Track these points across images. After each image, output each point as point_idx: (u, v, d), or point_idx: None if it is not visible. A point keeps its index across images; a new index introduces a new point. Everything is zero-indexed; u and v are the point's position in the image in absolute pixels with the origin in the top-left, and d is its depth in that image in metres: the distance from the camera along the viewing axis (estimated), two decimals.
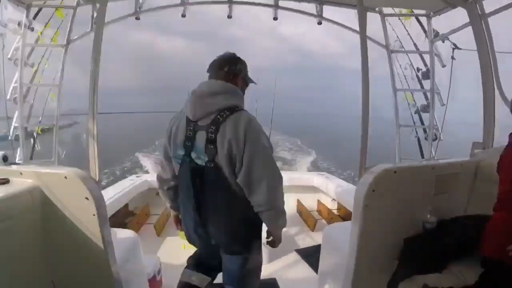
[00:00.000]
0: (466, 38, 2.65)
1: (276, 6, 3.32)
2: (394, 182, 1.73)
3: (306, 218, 4.69)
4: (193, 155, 1.54)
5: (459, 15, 2.69)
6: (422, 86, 3.41)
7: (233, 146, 1.47)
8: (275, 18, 3.41)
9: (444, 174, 1.95)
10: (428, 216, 1.82)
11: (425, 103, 3.40)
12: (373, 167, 1.70)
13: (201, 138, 1.52)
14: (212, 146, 1.48)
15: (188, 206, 1.65)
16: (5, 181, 1.58)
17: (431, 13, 3.26)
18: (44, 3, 3.13)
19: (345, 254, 1.83)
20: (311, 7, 3.36)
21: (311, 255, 3.46)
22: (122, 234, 2.16)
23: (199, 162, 1.54)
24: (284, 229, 3.93)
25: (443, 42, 3.20)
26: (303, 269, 3.29)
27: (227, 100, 1.53)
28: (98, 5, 3.02)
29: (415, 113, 3.48)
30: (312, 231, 4.35)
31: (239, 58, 1.68)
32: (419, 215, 1.83)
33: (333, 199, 4.86)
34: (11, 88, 3.06)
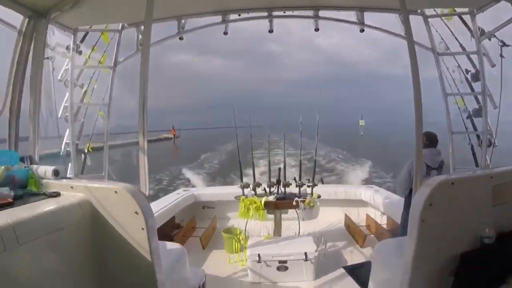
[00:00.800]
0: None
1: (316, 17, 3.28)
2: (451, 194, 1.62)
3: (354, 233, 4.53)
4: None
5: (505, 9, 2.56)
6: (472, 89, 3.18)
7: None
8: (317, 29, 3.36)
9: (503, 183, 1.79)
10: (487, 230, 1.66)
11: (477, 106, 3.16)
12: (429, 179, 1.59)
13: None
14: None
15: None
16: (56, 194, 1.67)
17: (475, 10, 3.05)
18: (90, 27, 3.36)
19: (397, 271, 1.73)
20: (351, 15, 3.29)
21: (359, 272, 3.31)
22: (169, 247, 2.20)
23: None
24: (330, 244, 3.83)
25: (490, 40, 2.99)
26: (351, 287, 3.15)
27: None
28: (142, 27, 3.22)
29: (467, 118, 3.24)
30: (361, 246, 4.18)
31: None
32: (477, 229, 1.68)
33: (383, 213, 4.67)
34: (62, 107, 3.29)
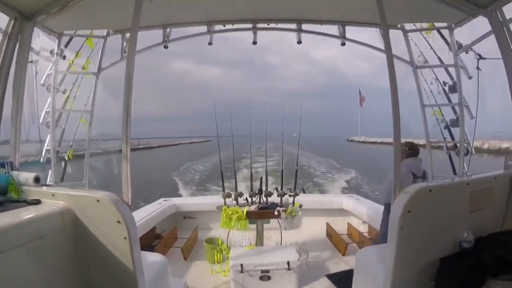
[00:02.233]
0: (492, 47, 2.58)
1: (299, 30, 3.35)
2: (430, 201, 1.68)
3: (336, 242, 4.56)
4: None
5: (481, 24, 2.61)
6: (450, 100, 3.31)
7: None
8: (299, 42, 3.43)
9: (479, 190, 1.87)
10: (465, 234, 1.73)
11: (454, 117, 3.28)
12: (407, 187, 1.64)
13: None
14: None
15: None
16: (37, 202, 1.62)
17: (453, 25, 3.19)
18: (75, 32, 3.32)
19: (379, 278, 1.76)
20: (334, 29, 3.38)
21: (342, 280, 3.34)
22: (150, 257, 2.17)
23: None
24: (313, 253, 3.84)
25: (467, 53, 3.12)
26: None
27: None
28: (127, 34, 3.20)
29: (444, 128, 3.36)
30: (343, 255, 4.21)
31: None
32: (456, 234, 1.75)
33: (364, 221, 4.72)
34: (43, 112, 3.21)
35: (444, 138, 3.38)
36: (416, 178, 3.33)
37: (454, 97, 3.30)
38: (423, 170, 3.42)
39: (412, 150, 3.48)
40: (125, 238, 1.51)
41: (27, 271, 1.35)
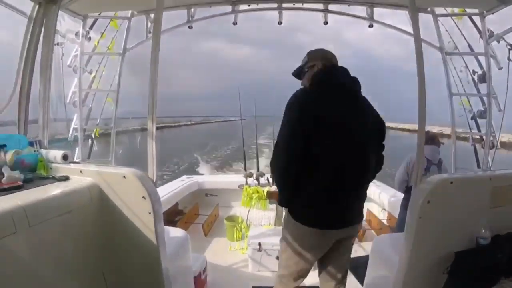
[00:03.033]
0: None
1: (326, 10, 3.26)
2: (450, 193, 1.65)
3: None
4: None
5: None
6: (478, 90, 3.18)
7: None
8: (325, 23, 3.36)
9: (502, 186, 1.82)
10: (483, 231, 1.70)
11: (482, 108, 3.16)
12: (429, 177, 1.62)
13: None
14: None
15: None
16: (65, 178, 1.71)
17: (484, 11, 3.03)
18: (99, 14, 3.37)
19: (393, 266, 1.77)
20: (362, 10, 3.26)
21: (358, 266, 3.36)
22: (172, 232, 2.25)
23: None
24: None
25: (499, 42, 2.97)
26: (349, 280, 3.20)
27: None
28: (152, 15, 3.22)
29: (471, 119, 3.24)
30: (360, 241, 4.23)
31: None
32: (473, 229, 1.72)
33: (383, 208, 4.68)
34: (70, 93, 3.32)
35: (470, 129, 3.27)
36: (431, 164, 3.29)
37: (483, 88, 3.17)
38: (439, 158, 3.36)
39: (430, 139, 3.42)
40: (149, 213, 1.58)
41: (57, 244, 1.43)
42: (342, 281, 1.94)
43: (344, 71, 1.66)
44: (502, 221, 1.78)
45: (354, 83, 1.65)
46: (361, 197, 1.71)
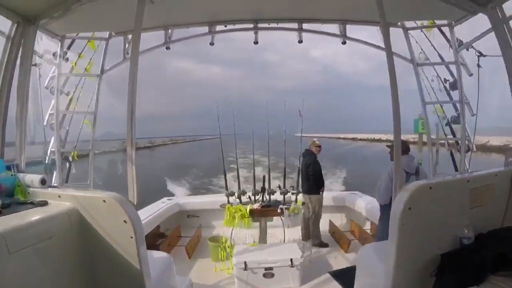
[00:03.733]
0: (492, 44, 2.58)
1: (300, 29, 3.37)
2: (430, 198, 1.69)
3: (339, 238, 4.59)
4: None
5: (482, 21, 2.62)
6: (451, 98, 3.32)
7: None
8: (300, 41, 3.46)
9: (480, 186, 1.88)
10: (466, 231, 1.74)
11: (455, 114, 3.29)
12: (408, 185, 1.66)
13: None
14: None
15: None
16: (44, 203, 1.65)
17: (453, 22, 3.20)
18: (77, 35, 3.35)
19: (381, 274, 1.78)
20: (335, 28, 3.40)
21: (345, 277, 3.37)
22: (156, 256, 2.20)
23: None
24: (316, 250, 3.99)
25: (468, 50, 3.13)
26: None
27: None
28: (130, 36, 3.22)
29: (445, 125, 3.37)
30: (346, 252, 4.24)
31: None
32: (456, 230, 1.76)
33: (366, 218, 4.74)
34: (47, 115, 3.24)
35: (445, 135, 3.39)
36: (409, 175, 3.33)
37: (455, 95, 3.31)
38: (416, 166, 3.42)
39: (403, 148, 3.34)
40: (131, 237, 1.53)
41: (38, 271, 1.38)
42: None
43: None
44: (483, 220, 1.83)
45: None
46: None
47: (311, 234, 4.61)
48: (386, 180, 3.49)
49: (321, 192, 4.68)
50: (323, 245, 4.51)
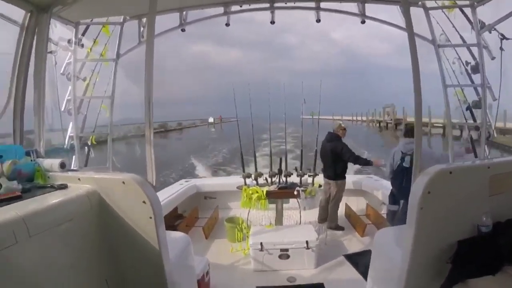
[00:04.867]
0: None
1: (317, 8, 3.27)
2: (450, 183, 1.66)
3: (355, 222, 4.60)
4: None
5: (505, 3, 2.56)
6: (472, 81, 3.20)
7: None
8: (318, 20, 3.36)
9: (500, 174, 1.83)
10: (484, 218, 1.71)
11: (477, 98, 3.18)
12: (428, 168, 1.63)
13: None
14: None
15: None
16: (64, 187, 1.70)
17: (475, 2, 3.05)
18: (91, 21, 3.36)
19: (396, 259, 1.78)
20: (353, 7, 3.27)
21: (360, 261, 3.39)
22: (174, 236, 2.25)
23: None
24: (332, 233, 4.05)
25: (490, 32, 2.99)
26: (352, 275, 3.23)
27: None
28: (144, 20, 3.21)
29: (466, 109, 3.26)
30: (361, 236, 4.25)
31: None
32: (474, 218, 1.73)
33: (383, 202, 4.71)
34: (65, 101, 3.30)
35: (465, 119, 3.29)
36: (405, 155, 3.64)
37: (477, 78, 3.19)
38: (412, 148, 3.55)
39: (407, 132, 3.80)
40: (150, 217, 1.57)
41: (58, 253, 1.42)
42: None
43: None
44: (502, 208, 1.79)
45: None
46: None
47: (328, 217, 4.64)
48: (388, 158, 3.83)
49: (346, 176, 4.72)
50: (339, 228, 4.54)
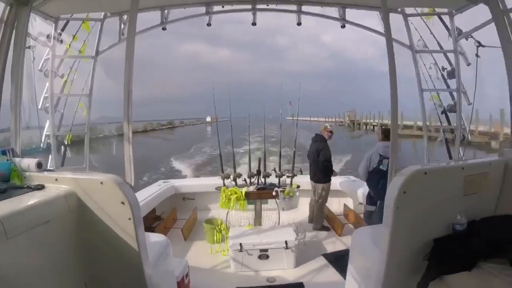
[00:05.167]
0: (491, 35, 2.58)
1: (299, 11, 3.31)
2: (425, 183, 1.72)
3: (333, 222, 4.67)
4: None
5: (482, 12, 2.59)
6: (448, 86, 3.32)
7: None
8: (299, 24, 3.40)
9: (473, 174, 1.91)
10: (458, 217, 1.78)
11: (452, 103, 3.31)
12: (403, 169, 1.68)
13: None
14: None
15: None
16: (41, 187, 1.65)
17: (453, 11, 3.18)
18: (71, 16, 3.26)
19: (374, 257, 1.82)
20: (335, 11, 3.34)
21: (338, 260, 3.44)
22: (153, 238, 2.22)
23: None
24: (310, 234, 4.10)
25: (467, 40, 3.12)
26: (331, 274, 3.28)
27: None
28: (125, 17, 3.15)
29: (442, 113, 3.39)
30: (339, 235, 4.33)
31: None
32: (449, 216, 1.80)
33: (360, 203, 4.80)
34: (42, 98, 3.18)
35: (441, 123, 3.42)
36: (383, 158, 3.72)
37: (453, 84, 3.32)
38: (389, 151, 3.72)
39: (383, 134, 3.91)
40: (129, 219, 1.55)
41: (36, 255, 1.38)
42: None
43: None
44: (476, 207, 1.88)
45: None
46: None
47: (314, 218, 4.72)
48: (364, 160, 3.88)
49: (332, 178, 4.77)
50: (325, 229, 4.64)
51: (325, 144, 4.69)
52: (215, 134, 4.94)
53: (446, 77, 3.32)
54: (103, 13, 3.26)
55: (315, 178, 4.70)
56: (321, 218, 4.68)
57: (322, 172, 4.64)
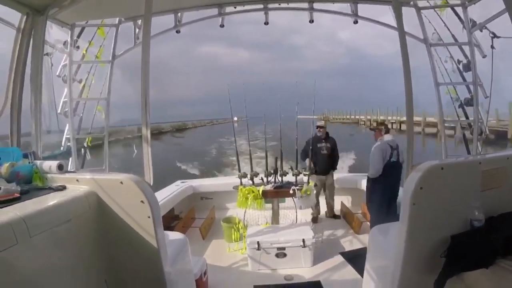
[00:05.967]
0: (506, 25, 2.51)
1: (311, 9, 3.31)
2: (441, 178, 1.68)
3: (351, 220, 4.64)
4: None
5: (495, 1, 2.53)
6: (464, 79, 3.25)
7: None
8: (311, 21, 3.41)
9: (491, 169, 1.86)
10: (476, 213, 1.74)
11: (469, 96, 3.23)
12: (420, 165, 1.66)
13: None
14: None
15: None
16: (62, 188, 1.71)
17: (466, 1, 3.10)
18: (86, 23, 3.36)
19: (391, 255, 1.80)
20: (346, 7, 3.34)
21: (356, 258, 3.42)
22: (171, 236, 2.25)
23: None
24: (328, 232, 4.07)
25: (481, 31, 3.04)
26: (348, 272, 3.26)
27: None
28: (139, 21, 3.23)
29: (459, 107, 3.31)
30: (357, 233, 4.29)
31: None
32: (467, 212, 1.75)
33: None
34: (61, 102, 3.30)
35: (458, 117, 3.34)
36: (392, 149, 3.82)
37: (468, 76, 3.24)
38: (396, 143, 3.90)
39: (386, 128, 4.06)
40: (148, 217, 1.59)
41: (58, 253, 1.43)
42: None
43: None
44: (494, 203, 1.82)
45: None
46: None
47: (330, 206, 4.98)
48: (378, 154, 3.84)
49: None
50: (337, 217, 4.95)
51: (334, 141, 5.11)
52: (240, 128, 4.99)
53: (462, 70, 3.24)
54: (117, 19, 3.35)
55: (325, 170, 4.95)
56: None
57: (332, 163, 5.02)
